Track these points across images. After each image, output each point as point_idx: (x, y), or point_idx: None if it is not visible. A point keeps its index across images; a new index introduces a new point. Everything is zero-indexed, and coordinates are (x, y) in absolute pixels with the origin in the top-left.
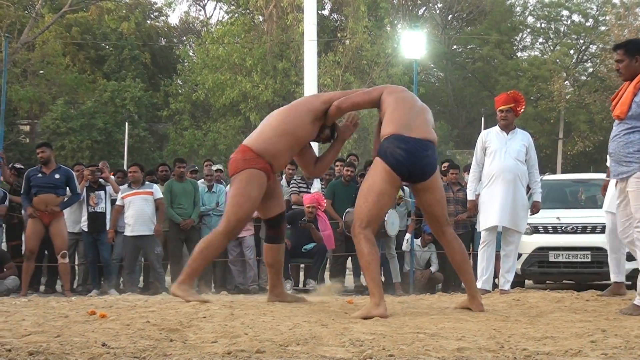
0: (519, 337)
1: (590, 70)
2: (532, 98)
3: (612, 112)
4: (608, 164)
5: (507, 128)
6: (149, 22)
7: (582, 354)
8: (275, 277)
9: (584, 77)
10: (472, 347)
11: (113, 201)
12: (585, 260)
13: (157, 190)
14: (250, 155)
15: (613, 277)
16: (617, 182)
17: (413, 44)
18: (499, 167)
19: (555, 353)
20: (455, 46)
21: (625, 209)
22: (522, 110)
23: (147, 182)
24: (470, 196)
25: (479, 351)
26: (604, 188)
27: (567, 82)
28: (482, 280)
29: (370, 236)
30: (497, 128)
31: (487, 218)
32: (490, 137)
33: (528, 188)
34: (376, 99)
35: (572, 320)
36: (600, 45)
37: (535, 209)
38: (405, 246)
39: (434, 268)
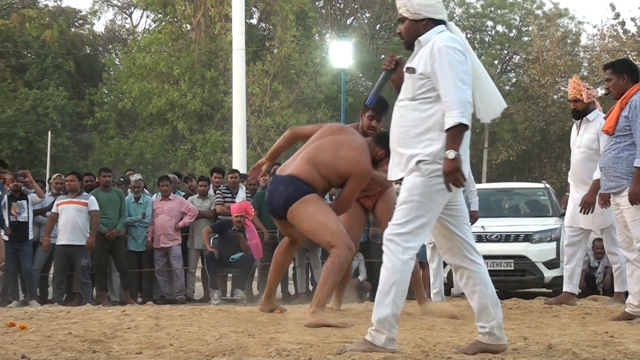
0: (444, 345)
1: (514, 80)
2: None
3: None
4: (570, 179)
5: None
6: (73, 30)
7: None
8: None
9: (507, 87)
10: (398, 356)
11: (35, 211)
12: (509, 268)
13: (93, 202)
14: None
15: (565, 287)
16: (610, 196)
17: (341, 53)
18: None
19: None
20: (383, 56)
21: (623, 222)
22: None
23: (84, 193)
24: None
25: (404, 359)
26: (565, 202)
27: None
28: (434, 293)
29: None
30: None
31: None
32: None
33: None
34: None
35: None
36: (523, 56)
37: (472, 218)
38: None
39: (362, 277)
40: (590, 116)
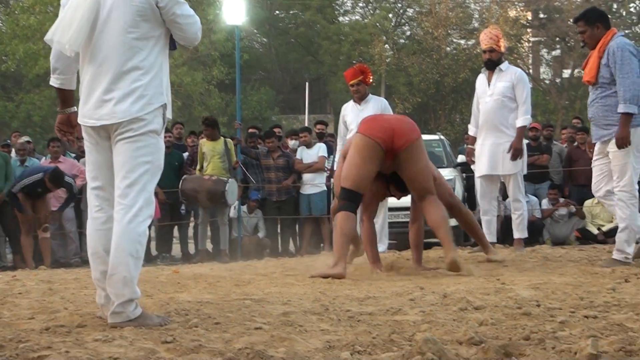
0: (343, 298)
1: (408, 33)
2: (354, 62)
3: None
4: (471, 132)
5: (360, 100)
6: None
7: (402, 312)
8: None
9: (402, 40)
10: (298, 311)
11: None
12: (407, 220)
13: None
14: None
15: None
16: (596, 144)
17: (234, 9)
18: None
19: (377, 313)
20: (277, 11)
21: (601, 166)
22: (370, 79)
23: None
24: (336, 166)
25: (304, 314)
26: (469, 154)
27: (387, 45)
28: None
29: None
30: (352, 101)
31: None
32: (347, 111)
33: None
34: None
35: (393, 279)
36: (416, 9)
37: None
38: (232, 213)
39: (261, 234)
40: (502, 66)
